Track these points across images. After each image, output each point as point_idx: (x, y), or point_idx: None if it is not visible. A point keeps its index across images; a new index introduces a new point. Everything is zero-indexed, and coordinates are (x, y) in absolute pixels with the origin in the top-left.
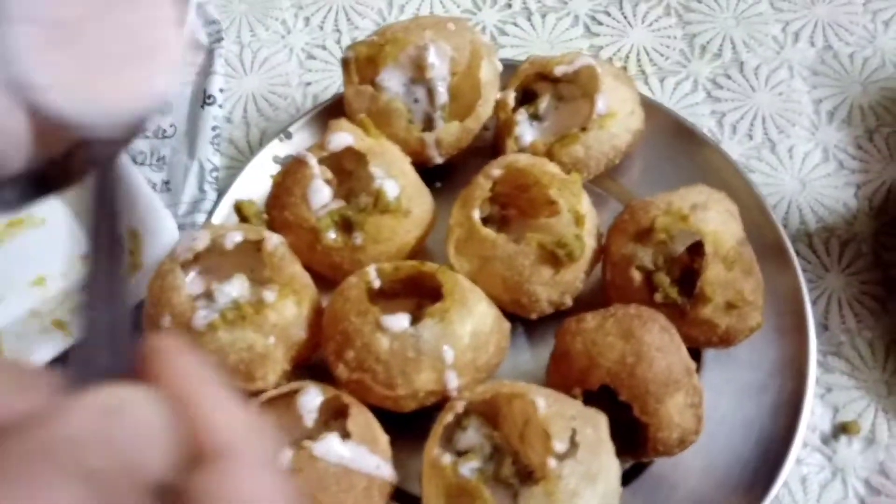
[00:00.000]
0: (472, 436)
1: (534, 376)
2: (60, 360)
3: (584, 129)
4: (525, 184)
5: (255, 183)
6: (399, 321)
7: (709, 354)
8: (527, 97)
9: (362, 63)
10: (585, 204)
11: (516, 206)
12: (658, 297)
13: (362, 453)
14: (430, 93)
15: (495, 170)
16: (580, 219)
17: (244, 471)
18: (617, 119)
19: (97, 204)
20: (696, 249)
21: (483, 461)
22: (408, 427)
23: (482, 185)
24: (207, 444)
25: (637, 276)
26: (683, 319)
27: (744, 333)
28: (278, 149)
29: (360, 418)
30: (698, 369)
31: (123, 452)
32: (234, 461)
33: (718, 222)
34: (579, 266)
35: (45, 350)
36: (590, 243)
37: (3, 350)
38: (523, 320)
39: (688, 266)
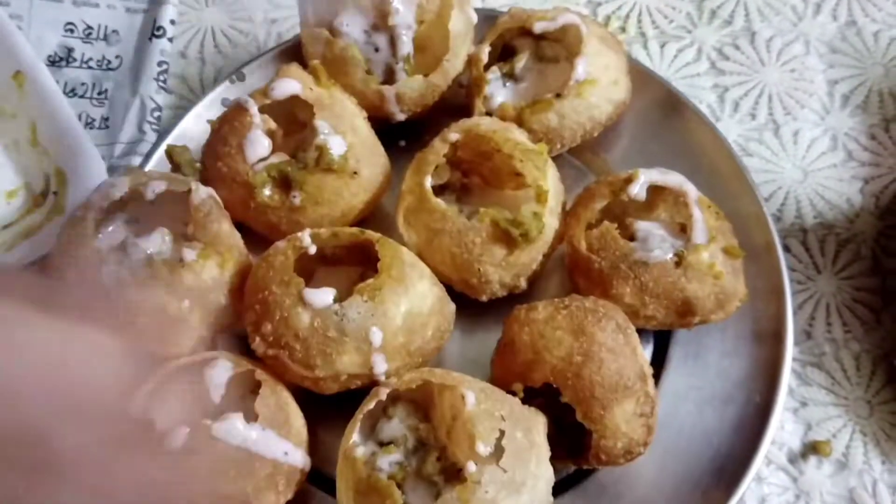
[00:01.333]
0: (396, 426)
1: (480, 365)
2: None
3: (559, 96)
4: (487, 151)
5: (199, 127)
6: (323, 296)
7: (675, 357)
8: (506, 54)
9: (323, 3)
10: (551, 179)
11: (479, 175)
12: (656, 253)
13: (269, 437)
14: (393, 42)
15: (453, 134)
16: (542, 195)
17: None
18: (597, 87)
19: None
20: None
21: (406, 455)
22: (335, 406)
23: (438, 149)
24: None
25: (619, 235)
26: (681, 267)
27: (736, 298)
28: (228, 91)
29: (271, 399)
30: (661, 373)
31: None
32: None
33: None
34: (537, 247)
35: None
36: (551, 223)
37: None
38: (475, 302)
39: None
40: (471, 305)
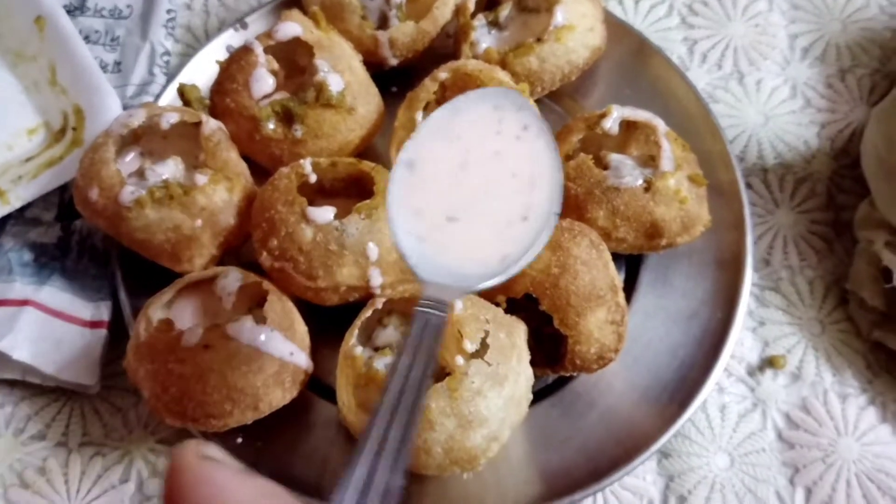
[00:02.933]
0: (391, 333)
1: None
2: None
3: (539, 40)
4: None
5: (205, 71)
6: (324, 213)
7: (645, 281)
8: (492, 4)
9: None
10: None
11: None
12: (627, 180)
13: (276, 338)
14: None
15: (442, 73)
16: None
17: None
18: (574, 33)
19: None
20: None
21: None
22: (332, 325)
23: (428, 87)
24: None
25: (593, 164)
26: (651, 191)
27: (700, 223)
28: (232, 39)
29: (278, 305)
30: (632, 294)
31: None
32: None
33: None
34: None
35: None
36: None
37: None
38: None
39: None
40: None
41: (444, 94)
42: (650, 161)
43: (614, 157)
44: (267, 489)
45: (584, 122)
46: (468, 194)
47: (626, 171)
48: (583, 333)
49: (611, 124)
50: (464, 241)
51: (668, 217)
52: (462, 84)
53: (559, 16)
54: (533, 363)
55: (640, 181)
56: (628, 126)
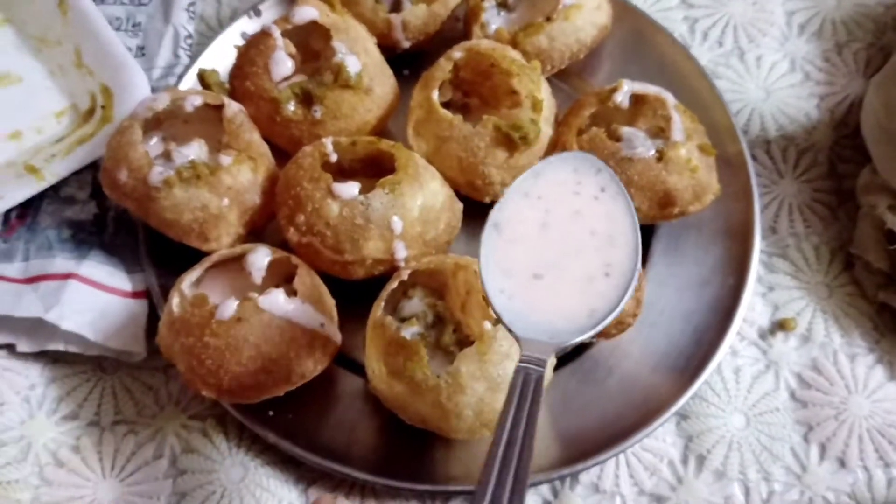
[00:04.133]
0: (416, 304)
1: None
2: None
3: (549, 19)
4: (487, 70)
5: (222, 58)
6: (349, 189)
7: (658, 251)
8: None
9: None
10: (544, 91)
11: (478, 95)
12: (640, 150)
13: (307, 310)
14: None
15: (457, 52)
16: (537, 104)
17: None
18: (582, 11)
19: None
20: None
21: (425, 328)
22: (356, 301)
23: (443, 66)
24: None
25: (606, 137)
26: (664, 161)
27: (710, 191)
28: (247, 25)
29: (307, 279)
30: (646, 264)
31: None
32: None
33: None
34: (534, 152)
35: (19, 193)
36: (546, 130)
37: None
38: (477, 209)
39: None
40: (474, 212)
41: (458, 74)
42: (660, 133)
43: (626, 130)
44: None
45: (596, 97)
46: (551, 252)
47: (639, 142)
48: None
49: (622, 98)
50: (550, 297)
51: (680, 186)
52: (475, 64)
53: None
54: None
55: (653, 151)
56: (637, 100)
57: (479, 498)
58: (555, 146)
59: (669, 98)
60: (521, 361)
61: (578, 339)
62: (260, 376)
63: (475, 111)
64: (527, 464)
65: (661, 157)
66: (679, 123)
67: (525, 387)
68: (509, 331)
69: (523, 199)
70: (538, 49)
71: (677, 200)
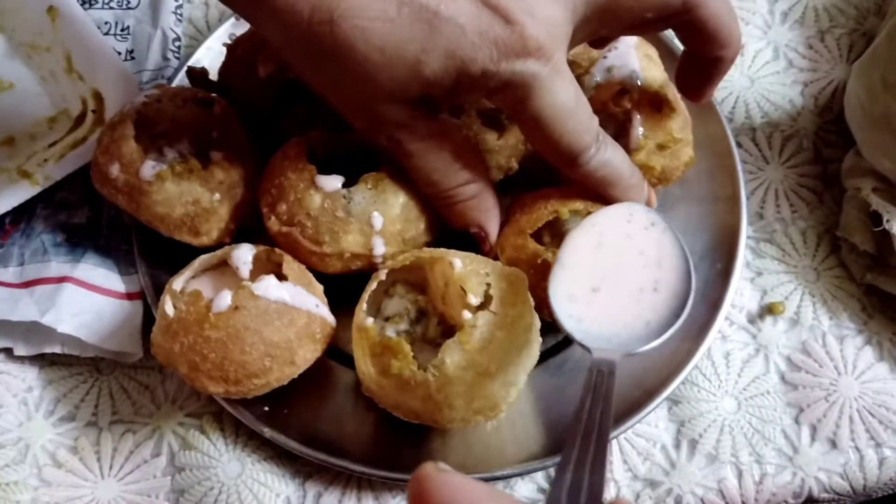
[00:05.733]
0: (398, 302)
1: None
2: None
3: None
4: None
5: (210, 59)
6: (332, 181)
7: None
8: None
9: None
10: None
11: None
12: None
13: (300, 292)
14: None
15: None
16: None
17: None
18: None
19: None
20: (622, 97)
21: (409, 324)
22: (343, 294)
23: None
24: None
25: None
26: None
27: (679, 170)
28: (235, 28)
29: (295, 265)
30: None
31: None
32: None
33: (639, 69)
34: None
35: (12, 199)
36: None
37: None
38: None
39: (621, 118)
40: None
41: None
42: (626, 122)
43: None
44: (492, 490)
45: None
46: (605, 266)
47: None
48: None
49: (594, 76)
50: (609, 308)
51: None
52: None
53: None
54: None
55: None
56: (603, 87)
57: (562, 469)
58: None
59: (634, 88)
60: (592, 364)
61: (642, 349)
62: (265, 361)
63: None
64: (605, 441)
65: None
66: (638, 122)
67: (599, 381)
68: (583, 347)
69: (581, 232)
70: None
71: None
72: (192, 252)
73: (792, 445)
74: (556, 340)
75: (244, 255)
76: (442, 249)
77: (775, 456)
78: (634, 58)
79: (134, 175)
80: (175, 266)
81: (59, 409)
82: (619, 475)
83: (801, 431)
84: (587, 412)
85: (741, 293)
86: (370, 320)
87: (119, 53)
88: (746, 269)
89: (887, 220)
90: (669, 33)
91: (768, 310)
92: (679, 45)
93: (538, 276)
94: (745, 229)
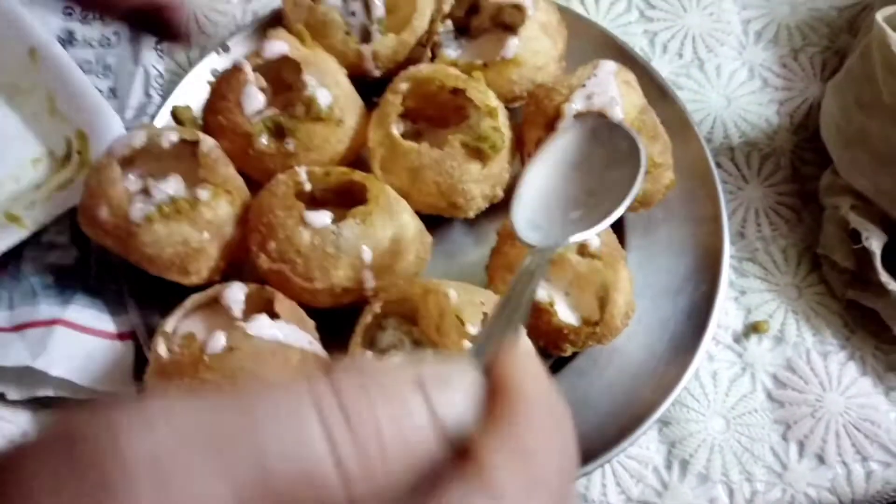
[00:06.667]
0: (391, 334)
1: (481, 268)
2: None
3: (485, 66)
4: (431, 92)
5: (194, 95)
6: (321, 217)
7: (631, 262)
8: (472, 13)
9: None
10: (493, 98)
11: (425, 119)
12: None
13: (293, 330)
14: (367, 6)
15: (402, 84)
16: (492, 112)
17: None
18: (521, 68)
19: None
20: None
21: (404, 356)
22: (333, 326)
23: (392, 101)
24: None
25: None
26: None
27: (660, 193)
28: (217, 62)
29: (286, 303)
30: None
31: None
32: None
33: (618, 96)
34: (503, 156)
35: (2, 242)
36: (507, 133)
37: None
38: (463, 222)
39: None
40: (448, 238)
41: (405, 103)
42: None
43: None
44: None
45: (543, 118)
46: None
47: None
48: (621, 281)
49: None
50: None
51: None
52: (421, 90)
53: (510, 49)
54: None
55: None
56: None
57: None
58: (519, 146)
59: (615, 115)
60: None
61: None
62: None
63: (427, 134)
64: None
65: None
66: None
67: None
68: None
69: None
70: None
71: (624, 216)
72: (181, 290)
73: (780, 462)
74: (548, 366)
75: (236, 294)
76: (434, 280)
77: (765, 473)
78: (613, 84)
79: (123, 218)
80: (165, 305)
81: None
82: (612, 498)
83: (789, 448)
84: (515, 287)
85: (726, 312)
86: (368, 354)
87: (101, 91)
88: (730, 288)
89: (866, 238)
90: (647, 53)
91: (753, 328)
92: (657, 69)
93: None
94: (727, 249)
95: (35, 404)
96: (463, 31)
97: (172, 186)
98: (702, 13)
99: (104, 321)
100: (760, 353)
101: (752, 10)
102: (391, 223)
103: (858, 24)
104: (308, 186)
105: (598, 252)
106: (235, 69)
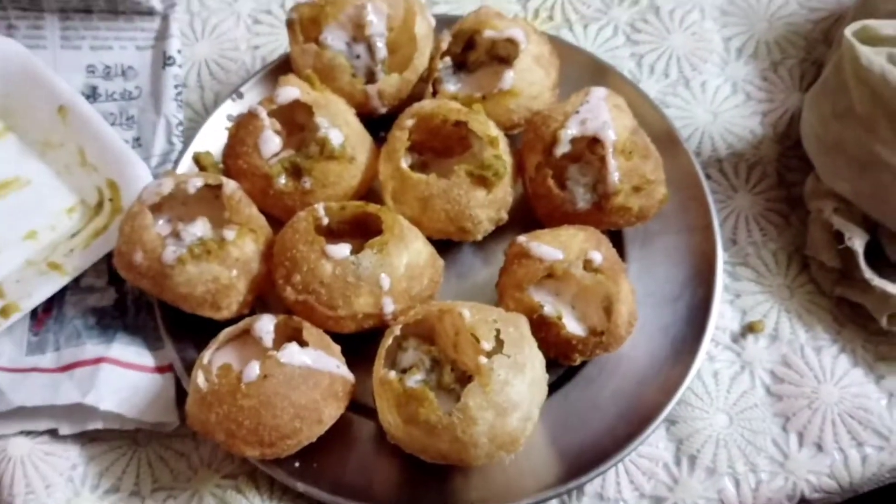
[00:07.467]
0: (412, 354)
1: (491, 287)
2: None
3: (484, 98)
4: (435, 125)
5: (212, 140)
6: (341, 250)
7: (631, 273)
8: (468, 49)
9: (306, 24)
10: (493, 127)
11: (431, 150)
12: (581, 205)
13: (321, 356)
14: (371, 48)
15: (408, 120)
16: (493, 141)
17: None
18: (518, 98)
19: None
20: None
21: (425, 374)
22: (356, 350)
23: (400, 136)
24: None
25: (555, 187)
26: (602, 211)
27: (655, 208)
28: (231, 108)
29: (313, 331)
30: None
31: None
32: None
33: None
34: (505, 182)
35: (45, 290)
36: (508, 160)
37: (5, 293)
38: (461, 257)
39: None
40: (458, 260)
41: (411, 137)
42: (602, 168)
43: (569, 182)
44: None
45: (541, 144)
46: None
47: (579, 196)
48: (623, 292)
49: (562, 150)
50: None
51: (622, 221)
52: (425, 125)
53: (507, 80)
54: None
55: (589, 205)
56: (578, 141)
57: None
58: (520, 172)
59: (608, 139)
60: None
61: None
62: (295, 423)
63: (432, 165)
64: None
65: (599, 206)
66: (614, 168)
67: None
68: None
69: None
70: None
71: (622, 229)
72: (212, 323)
73: (782, 452)
74: (558, 375)
75: (266, 325)
76: (449, 302)
77: (768, 463)
78: (605, 109)
79: (156, 261)
80: (198, 337)
81: (102, 482)
82: (626, 495)
83: (790, 438)
84: None
85: (723, 315)
86: (392, 373)
87: (126, 141)
88: (725, 291)
89: (849, 238)
90: (635, 75)
91: (749, 328)
92: (646, 90)
93: (535, 327)
94: (721, 256)
95: (83, 438)
96: (461, 66)
97: (200, 228)
98: (684, 33)
99: (144, 356)
100: (758, 352)
101: (732, 27)
102: (406, 251)
103: (832, 34)
104: (326, 221)
105: (601, 266)
106: (251, 115)
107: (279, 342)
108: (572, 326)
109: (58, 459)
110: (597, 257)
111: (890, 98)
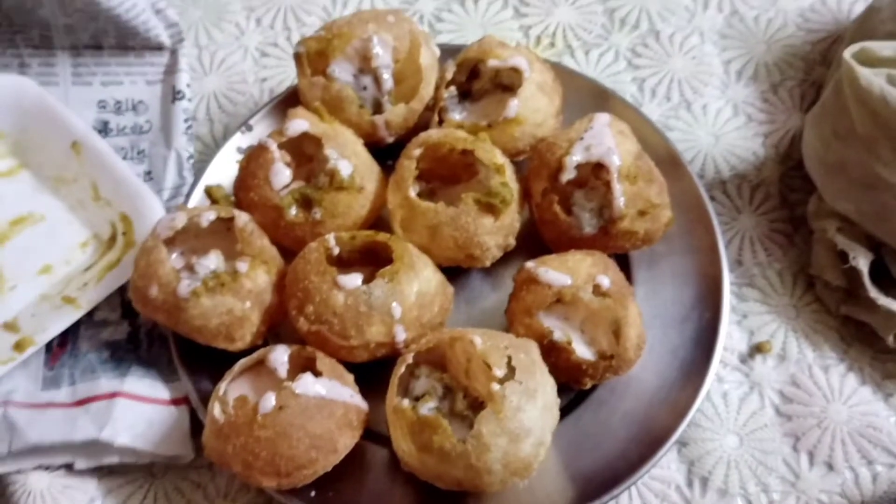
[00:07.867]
0: (424, 382)
1: (500, 312)
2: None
3: (490, 126)
4: (442, 154)
5: (222, 172)
6: (353, 280)
7: (639, 296)
8: (473, 78)
9: (313, 56)
10: (499, 155)
11: (438, 178)
12: (588, 230)
13: (335, 385)
14: (377, 80)
15: (415, 149)
16: (500, 168)
17: None
18: (523, 126)
19: None
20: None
21: (438, 401)
22: (368, 378)
23: (408, 166)
24: None
25: (561, 213)
26: (609, 236)
27: (660, 231)
28: (241, 140)
29: (326, 360)
30: None
31: None
32: None
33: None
34: (512, 209)
35: (60, 324)
36: (515, 186)
37: (20, 328)
38: (480, 271)
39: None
40: (467, 287)
41: (419, 166)
42: (608, 194)
43: (575, 208)
44: None
45: (546, 171)
46: None
47: (585, 221)
48: (631, 316)
49: (567, 177)
50: None
51: (628, 245)
52: (431, 154)
53: (512, 108)
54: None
55: (595, 230)
56: (584, 167)
57: None
58: (527, 198)
59: (612, 164)
60: None
61: None
62: (311, 453)
63: (440, 193)
64: None
65: (605, 230)
66: (619, 192)
67: None
68: None
69: None
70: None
71: (629, 253)
72: (226, 355)
73: (793, 472)
74: (570, 399)
75: (280, 356)
76: (460, 329)
77: (779, 483)
78: (609, 135)
79: (172, 294)
80: (212, 368)
81: None
82: None
83: (800, 458)
84: None
85: (731, 336)
86: (405, 402)
87: (138, 175)
88: (732, 312)
89: (853, 258)
90: (637, 99)
91: (757, 349)
92: (648, 114)
93: (545, 352)
94: (727, 277)
95: (100, 471)
96: (466, 94)
97: (213, 261)
98: (685, 57)
99: (159, 389)
100: (766, 372)
101: (731, 50)
102: (416, 279)
103: (831, 55)
104: (337, 251)
105: (609, 290)
106: (261, 148)
107: (293, 372)
108: (582, 351)
109: (76, 492)
110: (605, 282)
111: (890, 119)
